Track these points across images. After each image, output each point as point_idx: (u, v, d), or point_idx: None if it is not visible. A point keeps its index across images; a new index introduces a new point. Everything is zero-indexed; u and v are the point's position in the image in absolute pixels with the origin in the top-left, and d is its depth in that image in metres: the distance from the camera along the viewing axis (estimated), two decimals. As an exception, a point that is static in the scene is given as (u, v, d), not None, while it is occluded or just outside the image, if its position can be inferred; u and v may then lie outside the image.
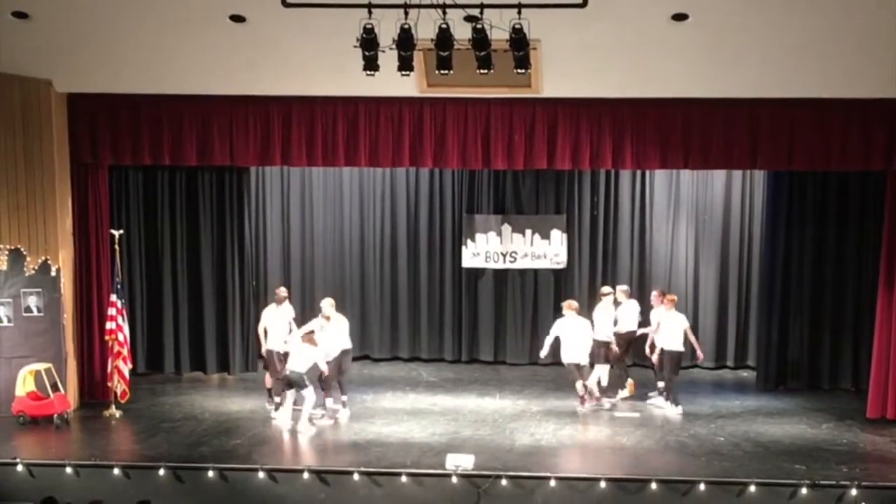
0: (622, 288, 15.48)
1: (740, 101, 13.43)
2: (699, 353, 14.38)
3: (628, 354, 15.54)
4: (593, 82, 13.33)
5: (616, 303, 14.99)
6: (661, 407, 14.32)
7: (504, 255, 17.52)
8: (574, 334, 14.10)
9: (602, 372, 14.58)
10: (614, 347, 14.62)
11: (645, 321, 15.05)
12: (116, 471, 11.53)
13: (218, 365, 16.72)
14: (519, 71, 10.29)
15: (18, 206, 13.87)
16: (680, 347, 14.13)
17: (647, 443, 12.88)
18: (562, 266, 17.50)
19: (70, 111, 14.21)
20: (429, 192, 17.89)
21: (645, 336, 14.89)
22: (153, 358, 16.80)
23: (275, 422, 13.64)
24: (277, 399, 13.89)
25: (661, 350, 14.26)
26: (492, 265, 17.59)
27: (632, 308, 15.23)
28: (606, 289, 15.12)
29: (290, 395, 13.44)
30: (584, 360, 14.22)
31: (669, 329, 14.14)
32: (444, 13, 9.49)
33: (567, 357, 14.17)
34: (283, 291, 14.60)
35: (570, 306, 14.32)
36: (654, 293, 14.98)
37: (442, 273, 17.91)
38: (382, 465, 11.63)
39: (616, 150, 13.85)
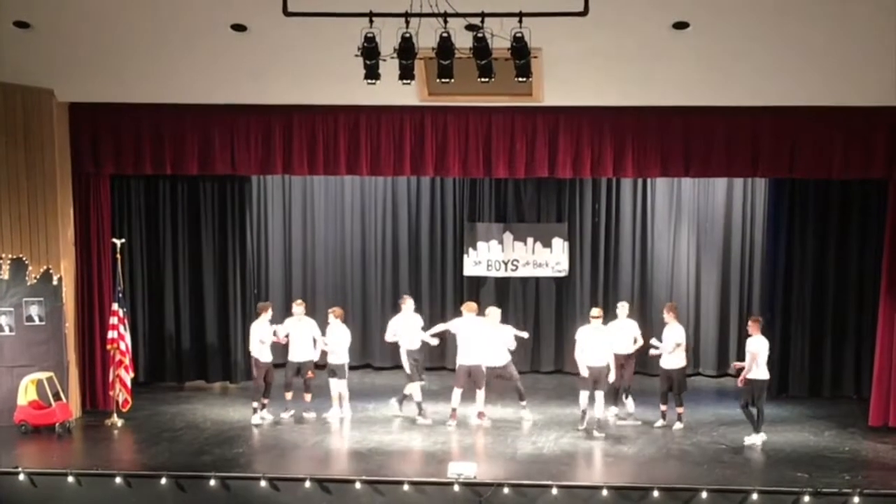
0: (622, 304, 14.66)
1: (741, 109, 13.46)
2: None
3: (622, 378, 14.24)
4: (594, 90, 13.36)
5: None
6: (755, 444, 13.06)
7: (505, 264, 17.53)
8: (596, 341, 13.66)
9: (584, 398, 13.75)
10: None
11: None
12: (118, 480, 11.52)
13: (220, 373, 16.73)
14: (520, 79, 10.31)
15: (20, 215, 13.88)
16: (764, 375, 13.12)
17: (649, 451, 12.87)
18: (563, 274, 17.51)
19: (72, 120, 14.25)
20: (430, 200, 17.91)
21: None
22: (155, 367, 16.82)
23: (326, 415, 14.24)
24: (263, 401, 14.27)
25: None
26: (493, 273, 17.60)
27: (628, 328, 14.35)
28: (597, 311, 14.01)
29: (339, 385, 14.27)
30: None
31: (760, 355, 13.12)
32: (446, 22, 9.51)
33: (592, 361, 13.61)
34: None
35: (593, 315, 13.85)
36: (751, 322, 13.44)
37: (443, 281, 17.93)
38: (384, 474, 11.63)
39: (617, 158, 13.87)
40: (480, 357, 13.94)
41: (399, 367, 17.74)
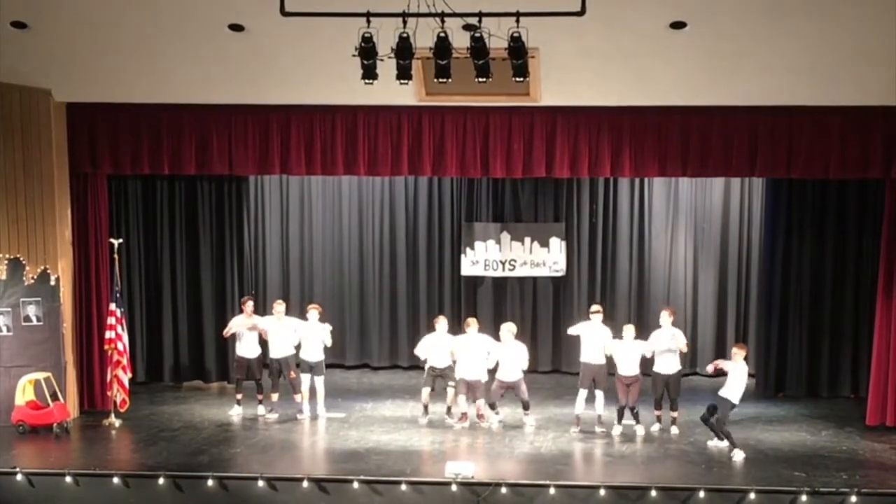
0: (628, 328, 13.86)
1: (739, 108, 13.45)
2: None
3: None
4: (592, 90, 13.35)
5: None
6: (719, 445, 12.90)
7: (503, 264, 17.53)
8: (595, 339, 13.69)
9: (582, 398, 13.64)
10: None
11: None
12: (116, 480, 11.51)
13: (217, 374, 16.72)
14: (517, 79, 10.33)
15: (18, 215, 13.88)
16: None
17: (646, 450, 12.88)
18: (561, 274, 17.51)
19: (69, 120, 14.22)
20: (428, 200, 17.91)
21: None
22: (153, 367, 16.82)
23: (300, 416, 14.36)
24: (237, 396, 14.74)
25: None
26: (491, 273, 17.59)
27: (635, 350, 13.63)
28: (596, 307, 14.16)
29: (308, 380, 14.31)
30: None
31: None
32: (443, 22, 9.51)
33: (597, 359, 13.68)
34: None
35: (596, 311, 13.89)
36: (738, 349, 13.03)
37: (441, 281, 17.93)
38: (382, 474, 11.62)
39: (614, 157, 13.85)
40: (480, 373, 13.88)
41: (398, 366, 17.92)
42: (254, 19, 11.93)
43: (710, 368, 13.43)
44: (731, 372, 12.74)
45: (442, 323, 14.33)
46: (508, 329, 13.89)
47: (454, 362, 14.01)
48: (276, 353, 14.41)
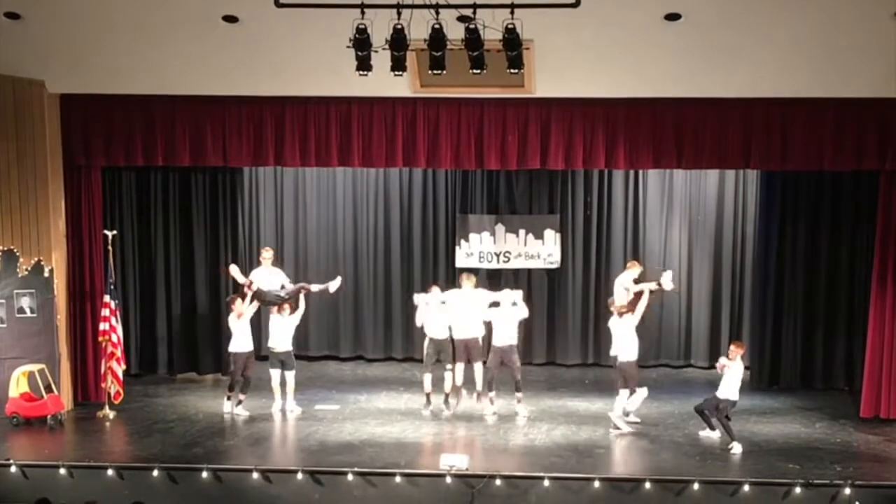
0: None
1: (733, 100, 13.43)
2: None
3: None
4: (586, 82, 13.34)
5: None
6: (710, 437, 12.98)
7: (497, 256, 17.52)
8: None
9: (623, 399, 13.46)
10: None
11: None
12: (110, 472, 11.51)
13: (212, 366, 16.70)
14: (512, 71, 10.34)
15: (11, 206, 13.85)
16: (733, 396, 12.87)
17: (640, 442, 12.89)
18: (555, 266, 17.50)
19: (63, 112, 14.17)
20: (422, 192, 17.87)
21: None
22: (147, 359, 16.80)
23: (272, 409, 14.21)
24: (241, 396, 14.25)
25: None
26: (485, 265, 17.55)
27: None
28: (612, 298, 14.29)
29: (278, 375, 14.18)
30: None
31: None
32: (437, 13, 9.51)
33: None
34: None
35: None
36: (735, 347, 13.06)
37: (435, 273, 17.88)
38: (377, 466, 11.62)
39: (609, 150, 13.83)
40: (477, 330, 13.93)
41: (393, 358, 17.90)
42: (248, 10, 11.90)
43: (718, 367, 13.17)
44: (728, 370, 12.73)
45: (435, 291, 14.35)
46: (508, 296, 13.96)
47: (451, 337, 14.03)
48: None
